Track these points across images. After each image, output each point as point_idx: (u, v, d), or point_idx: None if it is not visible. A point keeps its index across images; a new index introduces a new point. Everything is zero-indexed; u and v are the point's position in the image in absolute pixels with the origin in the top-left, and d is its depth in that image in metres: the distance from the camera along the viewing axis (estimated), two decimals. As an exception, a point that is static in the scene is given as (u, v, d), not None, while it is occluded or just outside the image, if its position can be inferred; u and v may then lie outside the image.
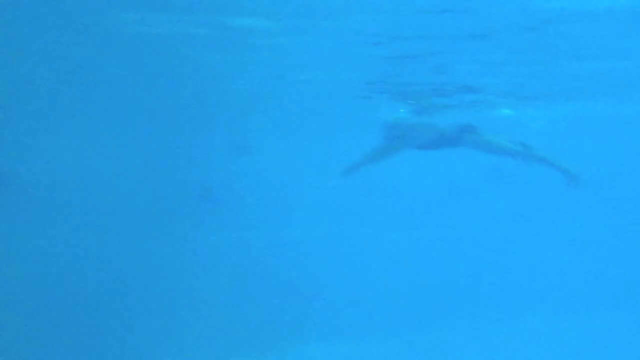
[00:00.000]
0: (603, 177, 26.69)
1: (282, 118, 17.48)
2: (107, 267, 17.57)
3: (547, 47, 9.09)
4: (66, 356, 13.99)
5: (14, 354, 13.28)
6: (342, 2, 7.03)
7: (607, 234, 24.40)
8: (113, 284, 16.99)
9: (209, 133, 19.84)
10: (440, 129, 9.19)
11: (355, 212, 24.08)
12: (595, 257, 22.85)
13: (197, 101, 14.82)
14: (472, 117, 14.09)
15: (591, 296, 18.99)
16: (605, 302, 18.62)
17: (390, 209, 24.92)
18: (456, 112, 13.77)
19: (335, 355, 15.01)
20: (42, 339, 14.18)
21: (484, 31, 8.09)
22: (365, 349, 15.49)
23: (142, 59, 10.23)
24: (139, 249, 18.84)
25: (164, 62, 10.42)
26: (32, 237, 17.24)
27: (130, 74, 11.57)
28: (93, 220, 18.83)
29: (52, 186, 18.50)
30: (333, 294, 18.79)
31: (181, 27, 8.23)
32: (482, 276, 20.88)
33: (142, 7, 7.44)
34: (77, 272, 17.08)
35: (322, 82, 11.99)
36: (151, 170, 20.41)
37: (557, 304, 18.58)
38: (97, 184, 19.33)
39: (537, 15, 7.39)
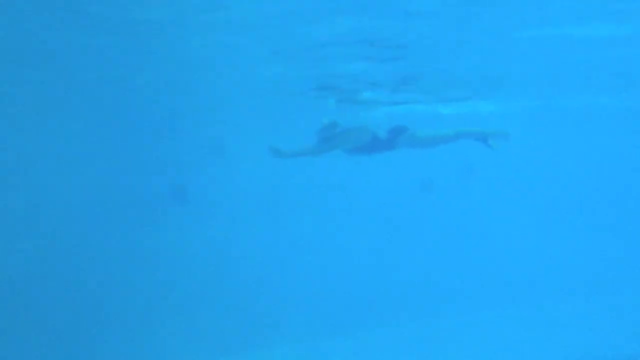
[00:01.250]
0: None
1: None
2: (78, 269, 17.37)
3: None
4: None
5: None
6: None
7: (584, 225, 24.89)
8: (85, 285, 16.81)
9: (181, 132, 19.58)
10: (372, 132, 9.24)
11: (329, 211, 24.12)
12: (572, 248, 23.27)
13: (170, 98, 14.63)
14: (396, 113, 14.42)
15: (572, 284, 19.35)
16: (584, 289, 18.98)
17: (365, 206, 24.99)
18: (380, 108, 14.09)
19: (322, 351, 15.06)
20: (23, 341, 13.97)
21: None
22: (354, 343, 15.58)
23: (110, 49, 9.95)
24: (111, 250, 18.62)
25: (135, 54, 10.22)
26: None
27: (101, 67, 11.27)
28: (65, 221, 18.55)
29: (21, 187, 18.20)
30: (309, 292, 18.81)
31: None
32: (462, 270, 21.09)
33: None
34: (50, 275, 16.87)
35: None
36: (122, 170, 20.14)
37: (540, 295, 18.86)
38: (66, 184, 19.03)
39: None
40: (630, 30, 9.32)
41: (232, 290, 18.44)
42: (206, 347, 15.51)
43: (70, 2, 7.57)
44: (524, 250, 23.22)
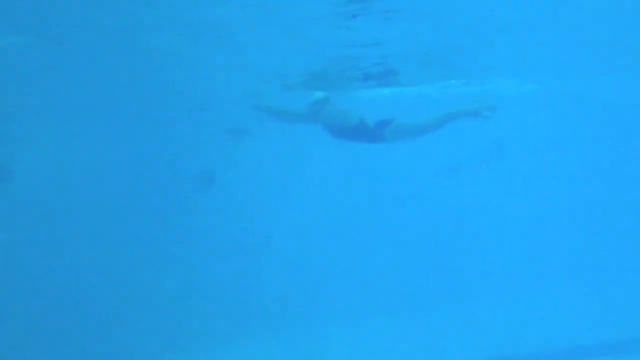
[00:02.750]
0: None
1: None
2: (108, 260, 17.57)
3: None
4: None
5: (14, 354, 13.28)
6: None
7: (587, 216, 24.50)
8: (116, 276, 16.99)
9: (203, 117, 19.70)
10: (360, 117, 9.17)
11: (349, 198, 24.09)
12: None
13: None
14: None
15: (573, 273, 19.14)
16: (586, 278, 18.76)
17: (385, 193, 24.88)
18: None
19: (340, 338, 15.11)
20: (43, 339, 14.19)
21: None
22: (365, 332, 15.61)
23: (134, 44, 10.12)
24: (139, 239, 18.81)
25: (159, 46, 10.33)
26: (31, 231, 17.21)
27: (121, 60, 11.43)
28: (93, 211, 18.78)
29: (49, 180, 18.43)
30: (333, 280, 18.84)
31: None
32: (472, 256, 20.95)
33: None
34: (78, 266, 17.09)
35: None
36: (147, 158, 20.33)
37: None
38: (93, 175, 19.26)
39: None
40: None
41: (265, 276, 18.61)
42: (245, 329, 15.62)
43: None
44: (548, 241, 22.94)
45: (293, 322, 16.18)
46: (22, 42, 9.37)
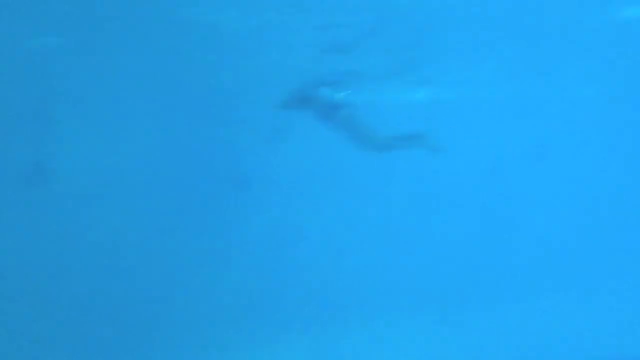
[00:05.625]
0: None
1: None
2: (142, 258, 17.73)
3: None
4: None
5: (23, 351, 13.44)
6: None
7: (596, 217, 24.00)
8: (149, 274, 17.14)
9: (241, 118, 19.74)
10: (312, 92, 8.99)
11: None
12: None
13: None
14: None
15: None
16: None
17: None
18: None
19: (357, 341, 15.05)
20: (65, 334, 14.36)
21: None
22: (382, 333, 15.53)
23: (172, 47, 10.22)
24: (173, 241, 18.96)
25: (196, 50, 10.43)
26: (67, 229, 17.45)
27: (160, 62, 11.55)
28: (128, 211, 18.98)
29: (88, 179, 18.68)
30: (358, 281, 18.75)
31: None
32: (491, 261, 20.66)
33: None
34: (114, 262, 17.27)
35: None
36: (184, 159, 20.49)
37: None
38: (130, 175, 19.46)
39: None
40: None
41: (299, 280, 18.60)
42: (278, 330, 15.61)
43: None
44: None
45: (318, 323, 16.12)
46: (58, 43, 9.50)
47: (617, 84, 16.82)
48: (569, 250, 21.42)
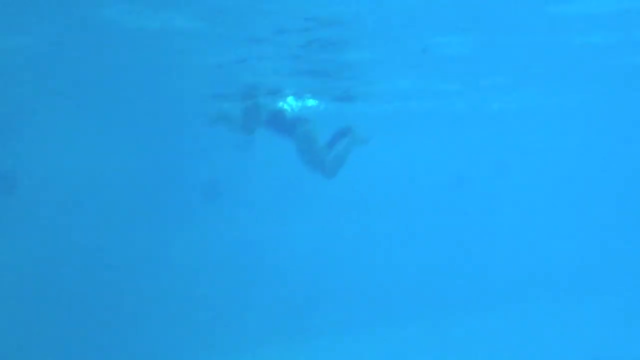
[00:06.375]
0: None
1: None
2: (110, 266, 17.61)
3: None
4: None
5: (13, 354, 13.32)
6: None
7: (603, 228, 24.40)
8: (116, 282, 17.03)
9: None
10: (280, 108, 9.28)
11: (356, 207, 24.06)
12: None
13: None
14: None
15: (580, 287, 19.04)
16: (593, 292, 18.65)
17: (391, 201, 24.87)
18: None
19: (344, 350, 15.04)
20: (43, 340, 14.21)
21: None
22: (379, 342, 15.56)
23: (140, 53, 10.24)
24: (142, 248, 18.86)
25: (162, 55, 10.43)
26: (36, 238, 17.29)
27: (128, 70, 11.55)
28: (97, 220, 18.86)
29: (54, 187, 18.55)
30: (338, 290, 18.78)
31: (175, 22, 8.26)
32: (483, 268, 20.89)
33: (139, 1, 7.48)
34: (81, 272, 17.14)
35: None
36: (153, 167, 20.42)
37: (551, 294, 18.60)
38: (99, 182, 19.34)
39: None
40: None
41: (269, 286, 18.57)
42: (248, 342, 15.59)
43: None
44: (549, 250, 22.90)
45: (297, 333, 16.16)
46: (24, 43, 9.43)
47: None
48: (556, 260, 21.80)
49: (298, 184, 22.74)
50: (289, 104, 12.34)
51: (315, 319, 16.61)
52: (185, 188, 20.65)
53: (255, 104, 9.80)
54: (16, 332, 14.24)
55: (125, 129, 18.49)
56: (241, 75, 11.42)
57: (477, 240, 23.18)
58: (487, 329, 16.00)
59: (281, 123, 9.49)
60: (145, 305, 16.84)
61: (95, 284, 16.76)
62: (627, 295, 18.15)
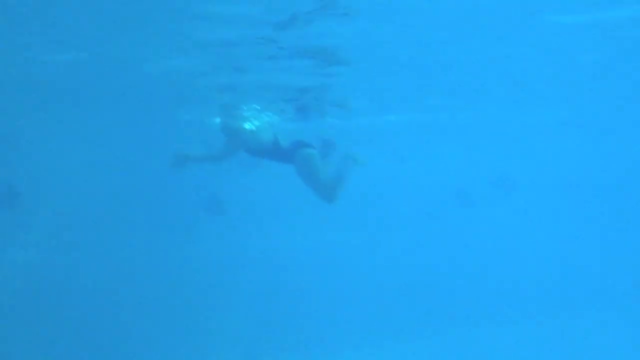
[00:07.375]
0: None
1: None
2: (109, 279, 17.64)
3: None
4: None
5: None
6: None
7: (610, 241, 24.29)
8: (114, 294, 17.05)
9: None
10: (274, 137, 9.35)
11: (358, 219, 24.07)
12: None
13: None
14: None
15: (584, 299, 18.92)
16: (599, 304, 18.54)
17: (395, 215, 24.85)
18: None
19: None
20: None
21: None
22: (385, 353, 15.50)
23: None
24: (146, 264, 18.89)
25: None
26: (34, 248, 17.36)
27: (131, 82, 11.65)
28: (100, 234, 18.93)
29: (53, 197, 18.65)
30: (338, 301, 18.75)
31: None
32: (485, 281, 20.79)
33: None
34: (80, 283, 17.17)
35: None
36: (157, 181, 20.51)
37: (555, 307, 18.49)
38: (99, 195, 19.44)
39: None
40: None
41: (272, 299, 18.56)
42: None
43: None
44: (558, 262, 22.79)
45: (300, 346, 16.11)
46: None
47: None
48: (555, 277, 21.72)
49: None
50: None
51: (316, 332, 16.57)
52: (188, 203, 20.72)
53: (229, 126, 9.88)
54: (19, 343, 14.24)
55: (132, 142, 18.62)
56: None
57: (480, 251, 23.17)
58: (494, 341, 15.95)
59: (280, 151, 9.56)
60: (148, 316, 16.86)
61: (94, 297, 16.80)
62: (634, 308, 18.02)
